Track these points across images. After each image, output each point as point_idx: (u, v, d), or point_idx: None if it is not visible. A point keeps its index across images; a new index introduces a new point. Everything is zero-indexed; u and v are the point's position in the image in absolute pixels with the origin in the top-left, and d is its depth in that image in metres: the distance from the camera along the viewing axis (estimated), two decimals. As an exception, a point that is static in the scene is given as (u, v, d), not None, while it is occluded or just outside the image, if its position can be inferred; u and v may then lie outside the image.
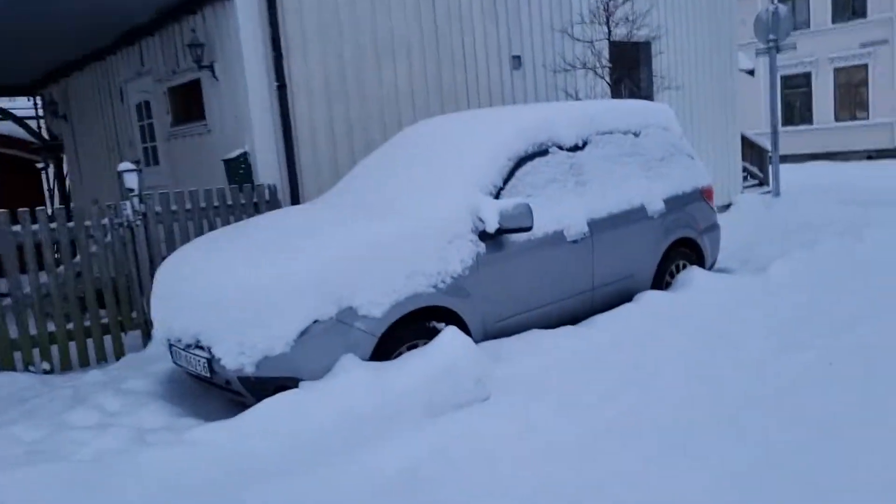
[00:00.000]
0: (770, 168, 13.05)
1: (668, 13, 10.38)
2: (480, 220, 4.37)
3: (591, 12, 7.90)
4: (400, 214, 4.32)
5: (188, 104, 7.65)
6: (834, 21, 22.55)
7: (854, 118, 22.65)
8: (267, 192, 6.47)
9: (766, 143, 13.84)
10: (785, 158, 22.86)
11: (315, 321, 3.72)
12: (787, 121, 24.03)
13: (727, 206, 11.50)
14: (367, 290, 3.85)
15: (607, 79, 7.87)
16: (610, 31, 7.75)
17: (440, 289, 4.13)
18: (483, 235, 4.40)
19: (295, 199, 6.66)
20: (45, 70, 10.36)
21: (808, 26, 22.98)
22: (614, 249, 5.23)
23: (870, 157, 22.09)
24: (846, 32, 22.16)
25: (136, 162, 8.77)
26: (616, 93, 9.16)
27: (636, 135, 5.73)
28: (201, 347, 3.93)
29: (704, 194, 6.18)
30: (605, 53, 7.94)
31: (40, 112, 12.19)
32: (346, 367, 3.71)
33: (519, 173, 4.77)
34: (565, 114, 5.28)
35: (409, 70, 7.50)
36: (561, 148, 5.09)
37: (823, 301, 5.24)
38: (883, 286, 5.54)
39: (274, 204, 6.46)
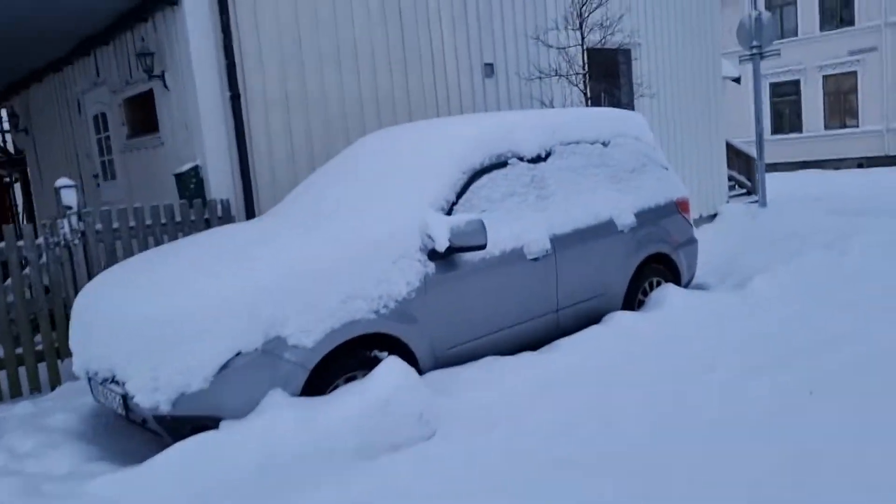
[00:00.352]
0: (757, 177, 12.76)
1: (648, 19, 10.10)
2: (430, 237, 4.02)
3: (565, 18, 7.59)
4: (340, 232, 3.98)
5: (143, 116, 7.31)
6: (822, 29, 22.37)
7: (844, 126, 22.42)
8: (219, 207, 6.12)
9: (754, 152, 13.56)
10: (775, 167, 22.69)
11: (238, 353, 3.37)
12: (777, 129, 23.82)
13: (712, 217, 11.20)
14: (297, 318, 3.50)
15: (581, 86, 7.55)
16: (584, 38, 7.44)
17: (382, 314, 3.78)
18: (433, 255, 4.06)
19: (250, 215, 6.31)
20: (7, 82, 10.02)
21: (797, 34, 22.79)
22: (580, 267, 4.89)
23: (861, 166, 21.86)
24: (834, 40, 21.97)
25: (94, 176, 8.43)
26: (595, 101, 8.87)
27: (605, 145, 5.40)
28: (117, 382, 3.57)
29: (680, 207, 5.85)
30: (579, 60, 7.63)
31: (6, 125, 11.84)
32: (273, 405, 3.35)
33: (474, 187, 4.43)
34: (527, 123, 4.95)
35: (374, 78, 7.18)
36: (521, 159, 4.76)
37: (805, 320, 4.90)
38: (868, 302, 5.21)
39: (227, 220, 6.11)
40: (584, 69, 7.51)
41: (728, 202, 12.11)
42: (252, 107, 6.33)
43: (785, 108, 23.62)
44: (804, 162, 22.79)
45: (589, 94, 7.60)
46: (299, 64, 6.62)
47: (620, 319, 4.84)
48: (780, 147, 23.26)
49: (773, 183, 16.36)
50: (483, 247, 4.08)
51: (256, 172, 6.40)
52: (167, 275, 3.77)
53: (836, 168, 21.91)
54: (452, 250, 4.06)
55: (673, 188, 5.81)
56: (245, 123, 6.24)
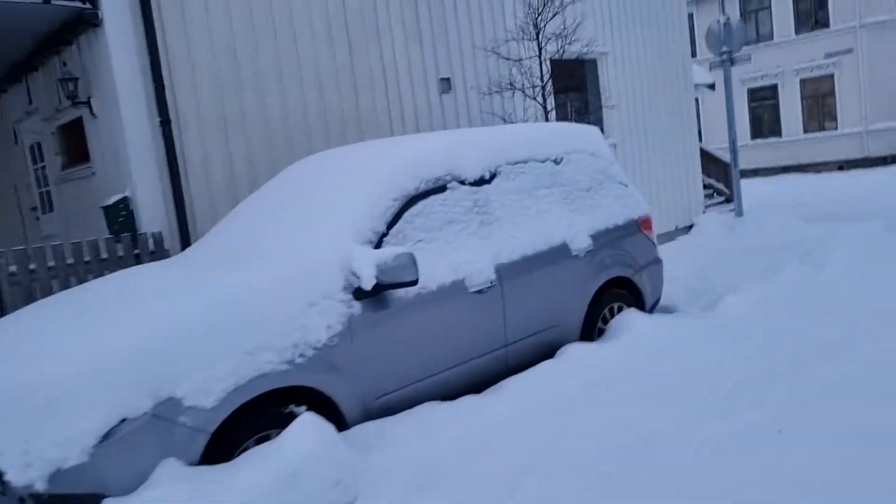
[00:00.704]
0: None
1: (615, 28, 9.79)
2: (354, 275, 3.62)
3: (520, 28, 7.23)
4: (248, 274, 3.56)
5: (76, 144, 6.89)
6: (798, 32, 22.23)
7: (823, 129, 22.24)
8: (151, 241, 5.70)
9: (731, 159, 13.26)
10: (756, 172, 22.49)
11: (123, 419, 2.94)
12: (757, 134, 23.63)
13: (688, 228, 10.87)
14: (193, 375, 3.08)
15: (539, 99, 7.19)
16: (541, 48, 7.10)
17: (299, 364, 3.37)
18: (359, 293, 3.66)
19: (186, 247, 5.88)
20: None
21: (773, 38, 22.65)
22: (530, 297, 4.50)
23: (841, 168, 21.67)
24: (810, 43, 21.83)
25: (33, 209, 7.99)
26: (560, 114, 8.54)
27: (557, 162, 5.03)
28: (-10, 456, 3.13)
29: (641, 226, 5.48)
30: (536, 72, 7.27)
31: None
32: (165, 477, 2.92)
33: (408, 215, 4.03)
34: (469, 142, 4.57)
35: (321, 97, 6.80)
36: (463, 182, 4.38)
37: (775, 349, 4.52)
38: (842, 328, 4.84)
39: (160, 254, 5.70)
40: (542, 81, 7.15)
41: (705, 212, 11.80)
42: (185, 132, 5.93)
43: (763, 113, 23.44)
44: (785, 166, 22.58)
45: (549, 107, 7.23)
46: (237, 84, 6.24)
47: (575, 352, 4.44)
48: (760, 152, 23.06)
49: (753, 189, 16.11)
50: (414, 283, 3.69)
51: (194, 201, 5.99)
52: (44, 332, 3.34)
53: (817, 171, 21.71)
54: (381, 287, 3.66)
55: (633, 206, 5.44)
56: (178, 150, 5.84)
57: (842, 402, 3.61)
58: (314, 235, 3.77)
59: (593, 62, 9.62)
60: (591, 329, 4.95)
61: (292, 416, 3.32)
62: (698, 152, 11.52)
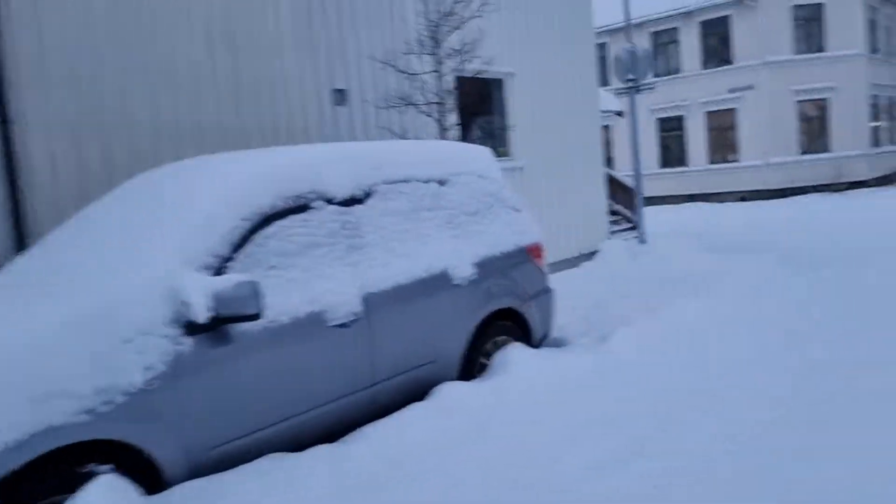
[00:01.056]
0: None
1: (524, 50, 9.61)
2: (186, 305, 3.09)
3: (418, 41, 6.88)
4: (46, 303, 2.98)
5: None
6: (704, 66, 23.00)
7: (726, 161, 23.03)
8: (-21, 257, 4.95)
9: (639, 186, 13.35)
10: (664, 200, 23.01)
11: None
12: (666, 163, 24.26)
13: (592, 254, 10.74)
14: (-46, 431, 2.48)
15: (435, 116, 6.83)
16: (440, 63, 6.76)
17: (102, 414, 2.80)
18: (193, 328, 3.13)
19: (25, 265, 5.16)
20: None
21: (680, 71, 23.37)
22: (403, 331, 4.07)
23: (743, 199, 22.43)
24: (715, 78, 22.61)
25: None
26: (466, 135, 8.24)
27: (441, 183, 4.65)
28: None
29: (531, 254, 5.16)
30: (433, 88, 6.92)
31: None
32: None
33: (260, 237, 3.53)
34: (339, 157, 4.13)
35: (197, 103, 6.21)
36: (330, 202, 3.92)
37: (659, 392, 4.24)
38: (728, 363, 4.65)
39: (-10, 271, 4.95)
40: (439, 98, 6.80)
41: (611, 238, 11.74)
42: (30, 135, 5.23)
43: (672, 143, 24.09)
44: (691, 195, 23.21)
45: (447, 126, 6.88)
46: (97, 83, 5.58)
47: (449, 393, 4.03)
48: (667, 180, 23.64)
49: (660, 216, 16.35)
50: (256, 317, 3.19)
51: (37, 212, 5.27)
52: None
53: (721, 201, 22.40)
54: (219, 321, 3.15)
55: (523, 233, 5.12)
56: (16, 154, 5.13)
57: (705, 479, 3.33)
58: (137, 259, 3.22)
59: (500, 82, 9.39)
60: (472, 365, 4.55)
61: (91, 477, 2.75)
62: (604, 178, 11.48)
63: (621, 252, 10.45)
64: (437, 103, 6.76)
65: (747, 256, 9.17)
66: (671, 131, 24.02)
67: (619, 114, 15.29)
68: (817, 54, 21.93)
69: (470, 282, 4.52)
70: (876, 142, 23.47)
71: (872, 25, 23.32)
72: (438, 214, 4.54)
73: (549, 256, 9.31)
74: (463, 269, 4.49)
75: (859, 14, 22.04)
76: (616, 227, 13.53)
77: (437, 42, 6.73)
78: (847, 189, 21.44)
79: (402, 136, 6.99)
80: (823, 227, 12.83)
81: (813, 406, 3.83)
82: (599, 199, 11.27)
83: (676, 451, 3.37)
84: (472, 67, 7.00)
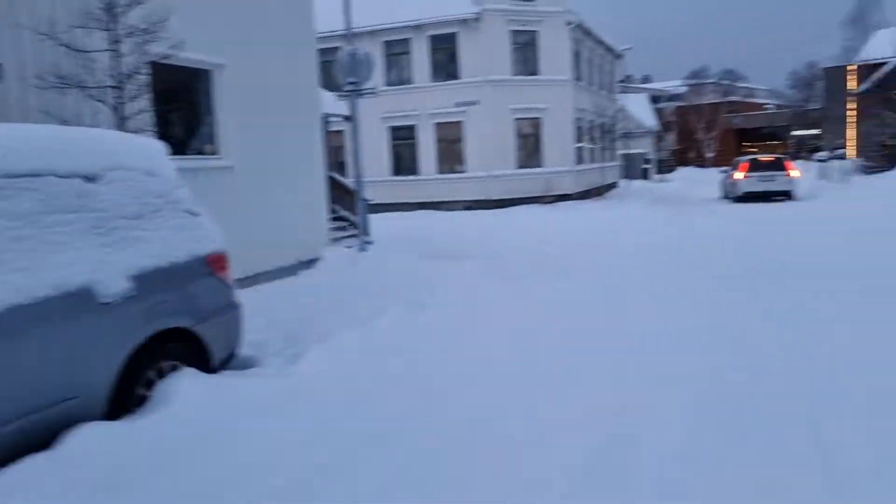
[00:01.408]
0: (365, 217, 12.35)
1: (235, 42, 8.83)
2: None
3: (88, 14, 5.82)
4: None
5: None
6: (434, 79, 23.93)
7: (454, 171, 24.19)
8: None
9: (365, 192, 13.22)
10: (396, 207, 23.43)
11: None
12: (398, 170, 24.79)
13: (313, 262, 10.29)
14: None
15: (111, 102, 5.85)
16: (118, 42, 5.78)
17: None
18: None
19: None
20: None
21: (412, 82, 24.06)
22: (23, 363, 3.21)
23: (469, 208, 23.68)
24: (444, 91, 23.62)
25: None
26: (162, 127, 7.27)
27: (90, 180, 3.83)
28: None
29: (213, 265, 4.52)
30: (107, 69, 5.92)
31: None
32: None
33: None
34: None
35: None
36: None
37: (355, 415, 3.89)
38: (442, 382, 4.47)
39: None
40: (116, 82, 5.83)
41: (334, 244, 11.41)
42: None
43: (404, 151, 24.69)
44: (421, 203, 23.94)
45: (126, 115, 5.92)
46: None
47: (82, 440, 3.24)
48: (399, 188, 24.16)
49: (389, 222, 16.49)
50: None
51: None
52: None
53: (449, 210, 23.40)
54: None
55: (202, 240, 4.47)
56: None
57: None
58: None
59: (208, 74, 8.53)
60: (127, 399, 3.78)
61: None
62: (326, 182, 11.12)
63: (342, 259, 10.17)
64: (113, 87, 5.76)
65: (460, 263, 9.42)
66: (404, 140, 24.61)
67: (349, 118, 15.08)
68: (532, 77, 24.00)
69: (124, 299, 3.76)
70: (579, 160, 26.35)
71: (577, 56, 26.16)
72: (84, 217, 3.71)
73: (261, 265, 8.79)
74: (113, 285, 3.71)
75: (566, 44, 24.57)
76: (342, 234, 13.27)
77: (113, 17, 5.74)
78: (555, 201, 23.71)
79: (70, 124, 5.87)
80: (534, 236, 13.82)
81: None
82: (320, 203, 10.87)
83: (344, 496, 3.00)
84: (157, 51, 6.11)
